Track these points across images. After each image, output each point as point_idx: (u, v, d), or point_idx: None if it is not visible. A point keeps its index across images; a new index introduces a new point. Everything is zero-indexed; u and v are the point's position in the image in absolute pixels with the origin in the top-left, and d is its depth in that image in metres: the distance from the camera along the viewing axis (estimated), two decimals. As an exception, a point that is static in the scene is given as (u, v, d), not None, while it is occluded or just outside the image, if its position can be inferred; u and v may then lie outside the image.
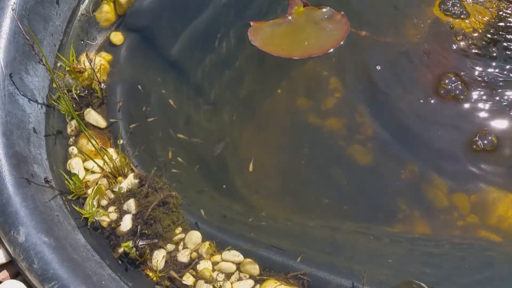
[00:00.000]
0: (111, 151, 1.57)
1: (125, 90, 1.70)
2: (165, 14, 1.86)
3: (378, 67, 1.75)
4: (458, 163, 1.60)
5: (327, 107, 1.71)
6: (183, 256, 1.43)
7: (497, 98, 1.68)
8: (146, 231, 1.41)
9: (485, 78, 1.71)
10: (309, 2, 1.87)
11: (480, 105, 1.67)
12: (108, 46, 1.80)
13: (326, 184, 1.59)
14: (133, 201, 1.45)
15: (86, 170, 1.53)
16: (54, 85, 1.62)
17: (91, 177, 1.52)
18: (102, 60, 1.72)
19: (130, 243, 1.38)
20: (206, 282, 1.39)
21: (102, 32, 1.83)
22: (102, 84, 1.67)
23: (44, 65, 1.50)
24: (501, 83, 1.70)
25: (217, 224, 1.51)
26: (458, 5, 1.82)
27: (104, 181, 1.52)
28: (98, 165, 1.51)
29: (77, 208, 1.46)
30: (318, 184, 1.59)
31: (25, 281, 1.33)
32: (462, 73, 1.71)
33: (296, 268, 1.39)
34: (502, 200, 1.54)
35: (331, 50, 1.77)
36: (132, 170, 1.54)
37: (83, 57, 1.71)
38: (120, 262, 1.42)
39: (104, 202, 1.48)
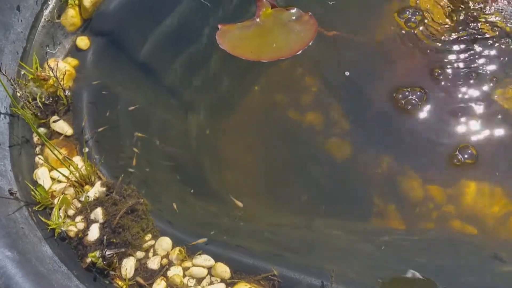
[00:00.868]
0: (78, 159, 1.55)
1: (91, 96, 1.67)
2: (132, 17, 1.83)
3: (347, 72, 1.73)
4: (432, 153, 1.59)
5: (305, 102, 1.70)
6: (153, 263, 1.42)
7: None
8: (114, 240, 1.39)
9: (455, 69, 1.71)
10: (279, 3, 1.84)
11: (450, 93, 1.68)
12: (75, 51, 1.78)
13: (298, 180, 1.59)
14: (101, 209, 1.43)
15: (53, 179, 1.51)
16: (18, 94, 1.59)
17: (57, 187, 1.50)
18: (67, 66, 1.69)
19: (97, 253, 1.36)
20: (176, 288, 1.38)
21: (68, 37, 1.80)
22: (67, 91, 1.64)
23: (4, 74, 1.46)
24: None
25: (188, 228, 1.49)
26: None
27: (71, 191, 1.49)
28: (63, 175, 1.48)
29: (43, 219, 1.44)
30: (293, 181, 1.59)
31: (-10, 297, 1.31)
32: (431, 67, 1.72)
33: (267, 270, 1.38)
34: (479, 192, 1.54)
35: (300, 52, 1.75)
36: (100, 178, 1.52)
37: (50, 63, 1.67)
38: (88, 272, 1.40)
39: (71, 212, 1.46)
